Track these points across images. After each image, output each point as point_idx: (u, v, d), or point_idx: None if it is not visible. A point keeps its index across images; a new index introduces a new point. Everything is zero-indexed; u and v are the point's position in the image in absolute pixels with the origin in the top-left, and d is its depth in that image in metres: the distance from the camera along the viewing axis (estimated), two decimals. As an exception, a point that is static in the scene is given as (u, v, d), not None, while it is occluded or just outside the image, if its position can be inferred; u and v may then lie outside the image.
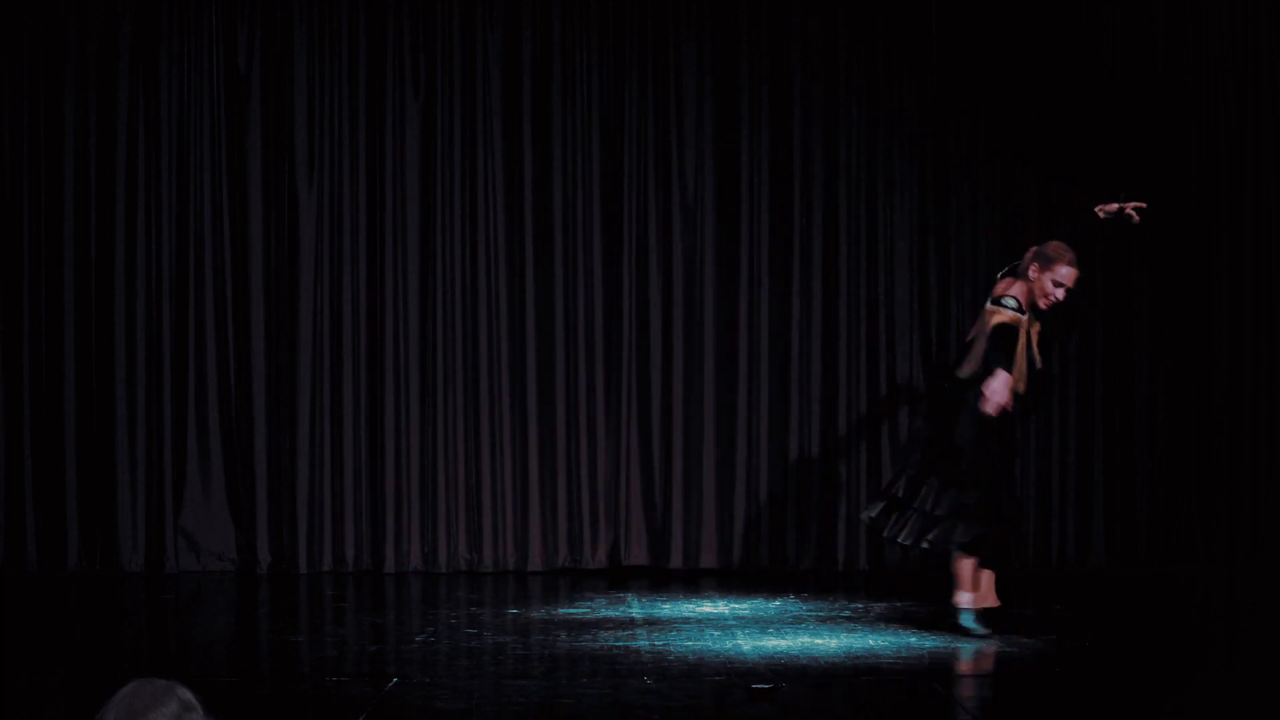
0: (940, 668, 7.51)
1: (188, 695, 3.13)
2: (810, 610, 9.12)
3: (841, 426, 10.68)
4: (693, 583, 10.27)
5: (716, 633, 8.38)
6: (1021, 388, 8.15)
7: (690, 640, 8.13)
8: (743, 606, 9.25)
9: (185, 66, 10.59)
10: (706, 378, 10.67)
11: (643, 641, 8.11)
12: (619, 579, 10.39)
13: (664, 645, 7.99)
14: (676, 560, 10.66)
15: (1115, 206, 8.36)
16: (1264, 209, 10.72)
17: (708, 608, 9.24)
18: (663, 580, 10.34)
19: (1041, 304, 8.19)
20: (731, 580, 10.38)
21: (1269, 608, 9.61)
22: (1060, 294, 8.17)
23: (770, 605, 9.28)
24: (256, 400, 10.60)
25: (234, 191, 10.63)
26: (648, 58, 10.69)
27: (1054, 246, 8.24)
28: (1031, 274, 8.20)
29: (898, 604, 9.26)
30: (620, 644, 8.04)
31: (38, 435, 10.58)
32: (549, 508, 10.65)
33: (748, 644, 8.01)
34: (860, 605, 9.19)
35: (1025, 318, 8.16)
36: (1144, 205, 8.38)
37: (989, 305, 8.24)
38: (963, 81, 10.67)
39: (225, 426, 10.62)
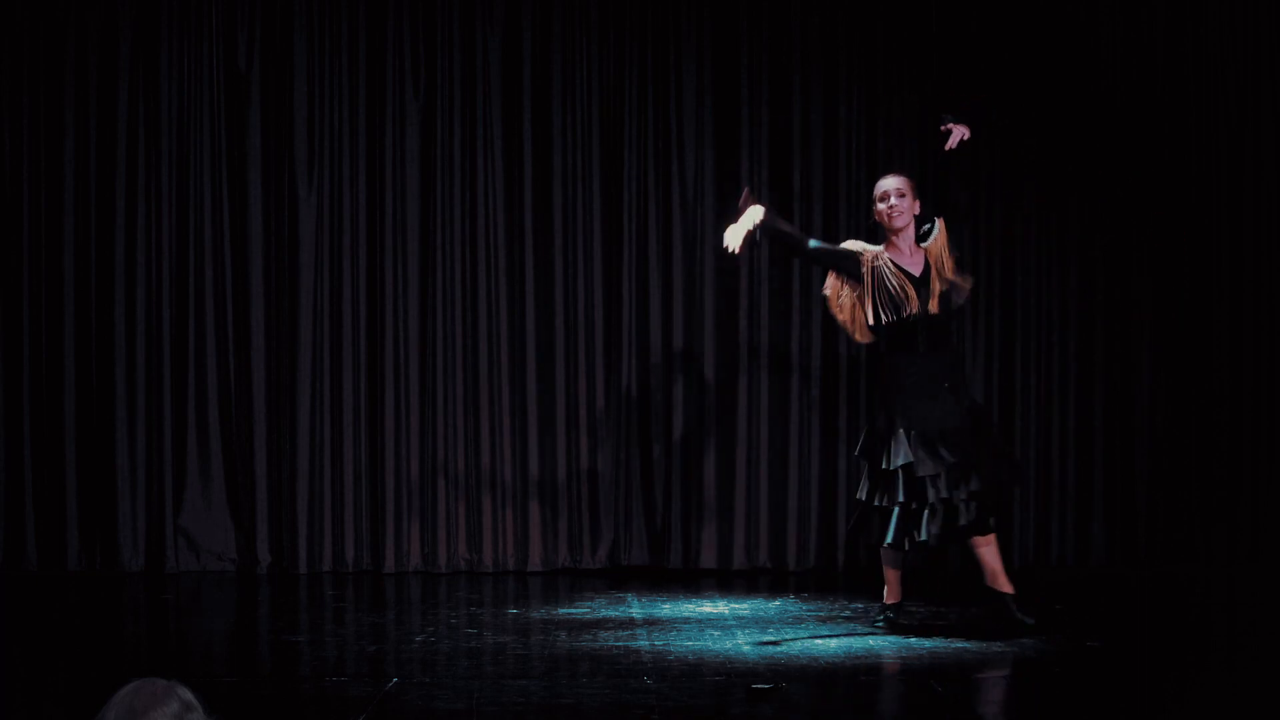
0: (940, 668, 7.50)
1: (188, 695, 3.14)
2: (810, 610, 9.12)
3: (842, 426, 10.67)
4: (693, 583, 10.26)
5: (716, 633, 8.38)
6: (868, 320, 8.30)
7: (690, 640, 8.13)
8: (743, 606, 9.25)
9: (185, 66, 10.60)
10: (706, 376, 10.67)
11: (643, 641, 8.11)
12: (619, 579, 10.39)
13: (664, 645, 7.99)
14: (676, 560, 10.66)
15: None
16: (1264, 208, 10.72)
17: (708, 608, 9.24)
18: (663, 580, 10.34)
19: (884, 222, 8.34)
20: (731, 580, 10.38)
21: (1269, 608, 9.61)
22: (885, 206, 8.32)
23: (770, 605, 9.28)
24: (256, 400, 10.61)
25: (234, 191, 10.63)
26: (648, 58, 10.70)
27: None
28: (876, 214, 8.43)
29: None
30: (620, 644, 8.04)
31: (38, 435, 10.58)
32: (549, 508, 10.65)
33: (748, 644, 8.01)
34: (860, 605, 9.18)
35: (873, 251, 8.32)
36: (963, 131, 8.36)
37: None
38: (963, 81, 10.67)
39: (225, 426, 10.63)
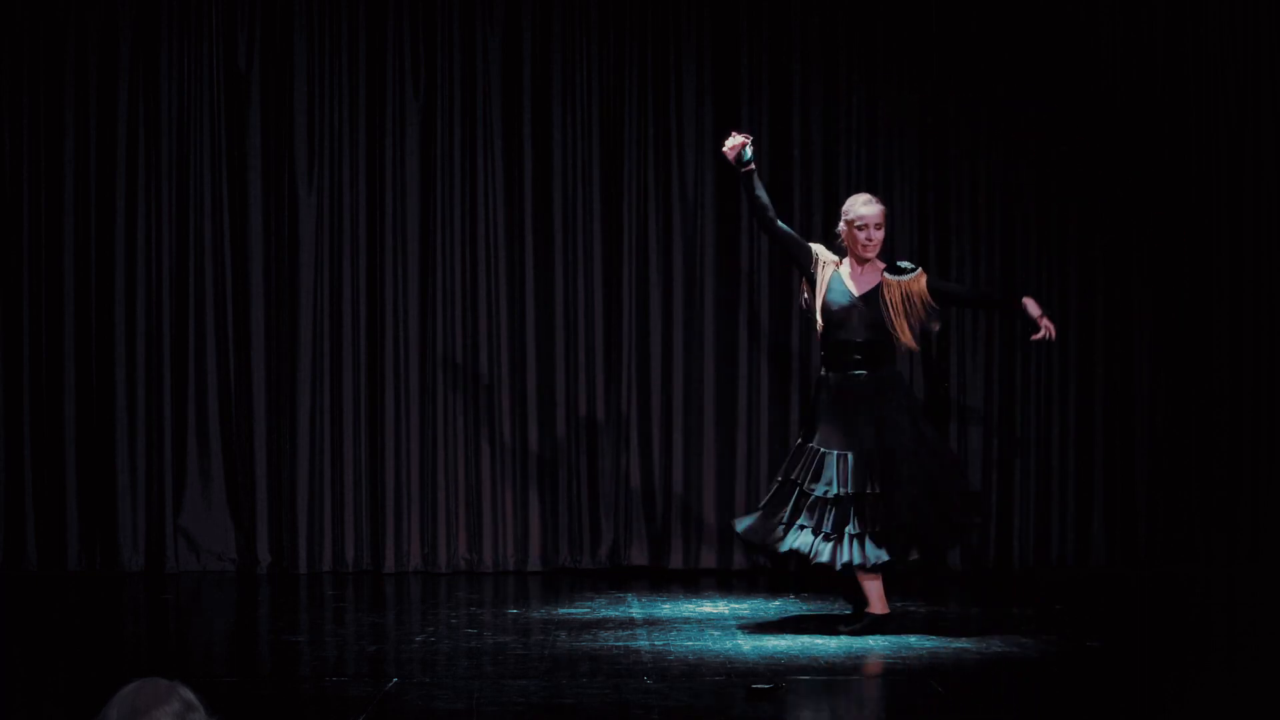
0: (940, 668, 7.50)
1: (190, 695, 3.14)
2: (810, 610, 9.12)
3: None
4: (693, 583, 10.27)
5: (716, 633, 8.38)
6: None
7: (690, 640, 8.13)
8: (743, 606, 9.25)
9: (185, 66, 10.60)
10: (706, 378, 10.67)
11: (643, 641, 8.11)
12: (619, 579, 10.39)
13: (664, 645, 7.99)
14: (676, 560, 10.66)
15: (1038, 314, 8.30)
16: (1264, 208, 10.72)
17: (708, 608, 9.24)
18: (663, 580, 10.34)
19: (856, 250, 8.28)
20: (731, 580, 10.38)
21: (1269, 608, 9.61)
22: (864, 236, 8.25)
23: (770, 605, 9.28)
24: (256, 400, 10.61)
25: (234, 191, 10.63)
26: (648, 58, 10.70)
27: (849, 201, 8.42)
28: (842, 233, 8.34)
29: (898, 604, 9.25)
30: (620, 644, 8.04)
31: (38, 435, 10.58)
32: (549, 508, 10.65)
33: (748, 644, 8.01)
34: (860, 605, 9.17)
35: (831, 258, 8.36)
36: (1051, 336, 8.35)
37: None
38: (963, 80, 10.67)
39: (225, 426, 10.63)
